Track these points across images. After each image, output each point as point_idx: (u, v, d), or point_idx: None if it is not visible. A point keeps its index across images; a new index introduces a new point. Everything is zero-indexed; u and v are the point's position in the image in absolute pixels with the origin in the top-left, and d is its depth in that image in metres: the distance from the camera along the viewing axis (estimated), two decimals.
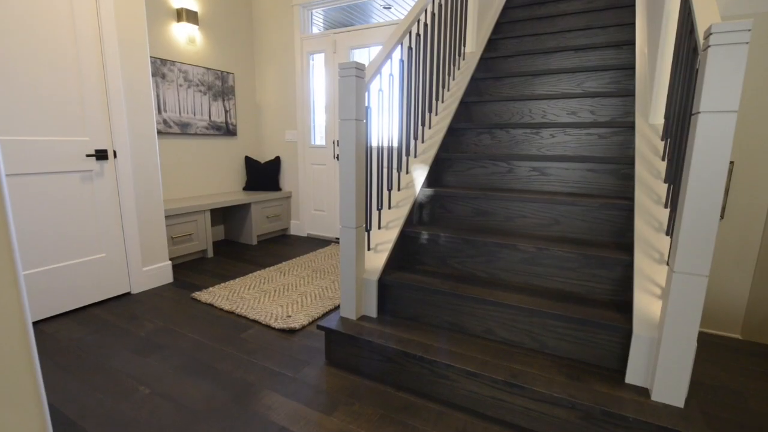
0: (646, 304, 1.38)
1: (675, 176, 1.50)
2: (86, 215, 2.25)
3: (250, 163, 3.98)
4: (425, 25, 2.26)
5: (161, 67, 3.16)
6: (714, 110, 1.07)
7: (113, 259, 2.40)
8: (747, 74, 2.28)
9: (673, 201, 1.48)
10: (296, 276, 2.82)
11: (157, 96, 3.16)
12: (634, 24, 2.66)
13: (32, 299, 2.08)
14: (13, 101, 1.92)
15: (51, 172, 2.08)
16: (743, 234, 2.39)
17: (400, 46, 1.97)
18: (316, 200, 3.97)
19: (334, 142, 3.74)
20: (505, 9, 3.44)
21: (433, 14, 2.31)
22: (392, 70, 2.00)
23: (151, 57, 3.09)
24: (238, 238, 3.81)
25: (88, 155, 2.19)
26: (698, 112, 1.09)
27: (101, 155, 2.25)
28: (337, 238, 3.95)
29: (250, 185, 4.00)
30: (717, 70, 1.05)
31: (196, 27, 3.35)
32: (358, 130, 1.65)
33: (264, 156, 4.22)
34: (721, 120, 1.06)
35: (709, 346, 2.00)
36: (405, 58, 2.08)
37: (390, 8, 4.33)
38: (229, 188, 3.91)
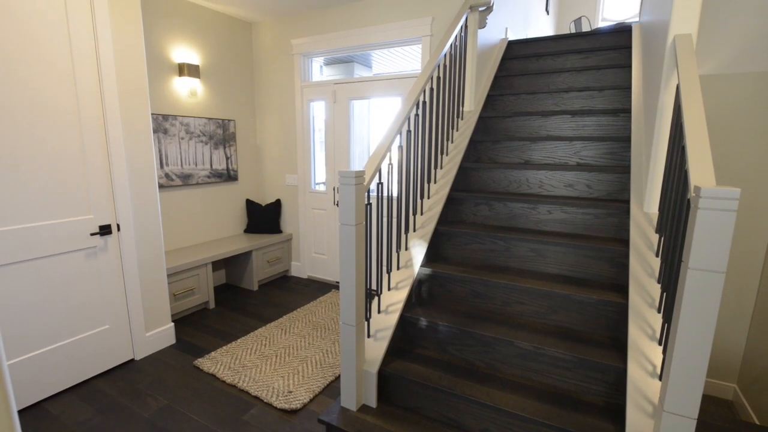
0: (639, 422, 1.41)
1: (668, 283, 1.53)
2: (91, 290, 2.28)
3: (251, 205, 4.02)
4: (423, 103, 2.30)
5: (163, 122, 3.20)
6: (703, 269, 1.10)
7: (117, 329, 2.43)
8: (748, 125, 2.27)
9: (667, 310, 1.52)
10: (297, 335, 2.86)
11: (159, 151, 3.19)
12: (630, 88, 2.69)
13: (39, 378, 2.11)
14: (18, 191, 1.96)
15: (57, 254, 2.12)
16: (740, 283, 2.41)
17: (399, 135, 2.00)
18: (316, 244, 4.01)
19: (334, 189, 3.78)
20: (504, 60, 3.47)
21: (431, 89, 2.35)
22: (392, 159, 2.03)
23: (152, 114, 3.12)
24: (240, 283, 3.84)
25: (92, 234, 2.22)
26: (688, 267, 1.12)
27: (105, 231, 2.29)
28: (337, 282, 3.98)
29: (251, 228, 4.03)
30: (706, 233, 1.09)
31: (197, 80, 3.39)
32: (358, 234, 1.68)
33: (265, 199, 4.26)
34: (709, 279, 1.10)
35: (704, 429, 2.03)
36: (404, 144, 2.12)
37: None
38: (230, 232, 3.95)
